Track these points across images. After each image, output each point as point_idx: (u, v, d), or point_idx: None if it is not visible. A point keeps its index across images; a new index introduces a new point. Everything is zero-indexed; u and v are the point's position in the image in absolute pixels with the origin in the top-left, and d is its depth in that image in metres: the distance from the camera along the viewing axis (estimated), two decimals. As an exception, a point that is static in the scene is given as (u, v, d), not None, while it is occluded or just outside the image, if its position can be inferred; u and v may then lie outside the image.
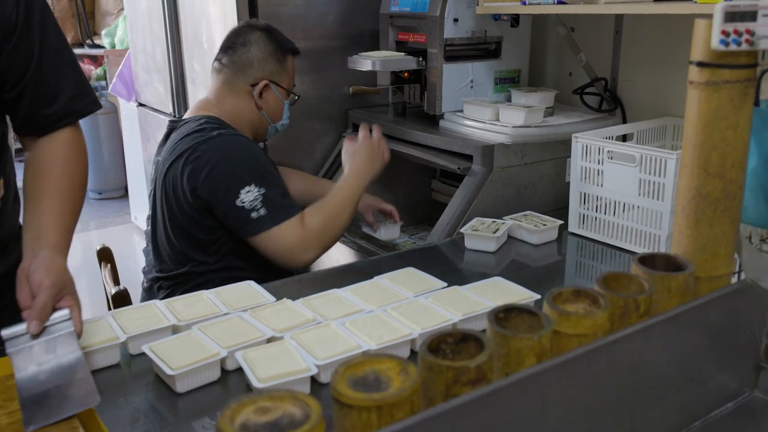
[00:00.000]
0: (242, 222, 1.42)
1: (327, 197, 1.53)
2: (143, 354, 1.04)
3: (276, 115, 1.67)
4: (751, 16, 0.78)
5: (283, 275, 1.48)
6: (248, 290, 1.27)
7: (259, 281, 1.30)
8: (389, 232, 1.87)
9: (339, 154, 2.21)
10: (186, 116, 1.61)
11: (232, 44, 1.62)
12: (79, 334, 0.98)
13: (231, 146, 1.48)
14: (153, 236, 1.59)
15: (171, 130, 1.61)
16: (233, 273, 1.49)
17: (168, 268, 1.55)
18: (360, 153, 1.61)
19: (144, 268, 1.66)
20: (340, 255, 1.87)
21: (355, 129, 2.18)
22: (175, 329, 1.13)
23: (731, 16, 0.77)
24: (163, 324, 1.12)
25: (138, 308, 1.19)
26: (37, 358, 0.95)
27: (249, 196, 1.40)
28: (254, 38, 1.61)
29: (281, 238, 1.41)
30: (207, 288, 1.25)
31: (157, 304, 1.20)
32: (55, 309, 0.98)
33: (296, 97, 1.71)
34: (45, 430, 0.88)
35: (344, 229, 1.54)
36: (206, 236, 1.50)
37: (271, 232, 1.41)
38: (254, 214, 1.41)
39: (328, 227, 1.48)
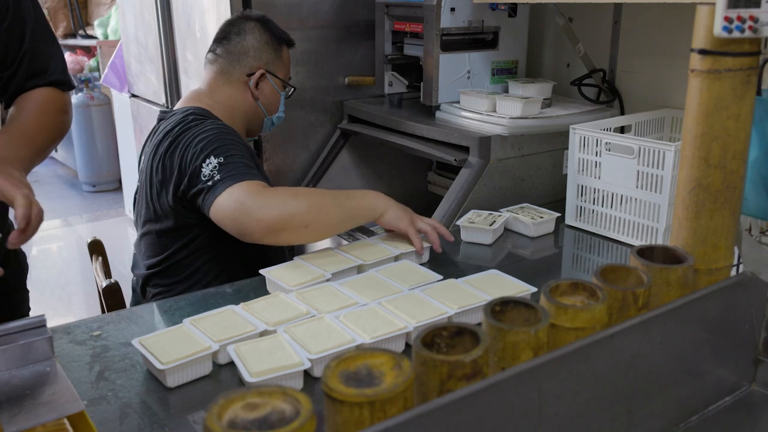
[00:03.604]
0: (202, 193, 1.34)
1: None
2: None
3: (272, 107, 1.65)
4: (754, 2, 0.76)
5: (264, 263, 1.35)
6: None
7: (242, 275, 1.25)
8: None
9: (334, 145, 2.20)
10: (176, 107, 1.58)
11: (226, 35, 1.59)
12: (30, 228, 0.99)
13: (205, 130, 1.41)
14: (138, 228, 1.56)
15: (159, 121, 1.58)
16: (213, 266, 1.46)
17: (152, 263, 1.50)
18: (402, 214, 1.38)
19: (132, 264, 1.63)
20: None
21: (351, 120, 2.17)
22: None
23: (734, 2, 0.75)
24: (154, 317, 1.11)
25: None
26: (10, 362, 0.92)
27: (208, 168, 1.33)
28: (249, 27, 1.59)
29: (232, 195, 1.28)
30: (196, 287, 1.22)
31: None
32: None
33: (292, 89, 1.69)
34: (31, 428, 0.86)
35: (321, 226, 1.31)
36: (185, 231, 1.45)
37: (222, 195, 1.29)
38: (210, 183, 1.32)
39: (303, 199, 1.28)
